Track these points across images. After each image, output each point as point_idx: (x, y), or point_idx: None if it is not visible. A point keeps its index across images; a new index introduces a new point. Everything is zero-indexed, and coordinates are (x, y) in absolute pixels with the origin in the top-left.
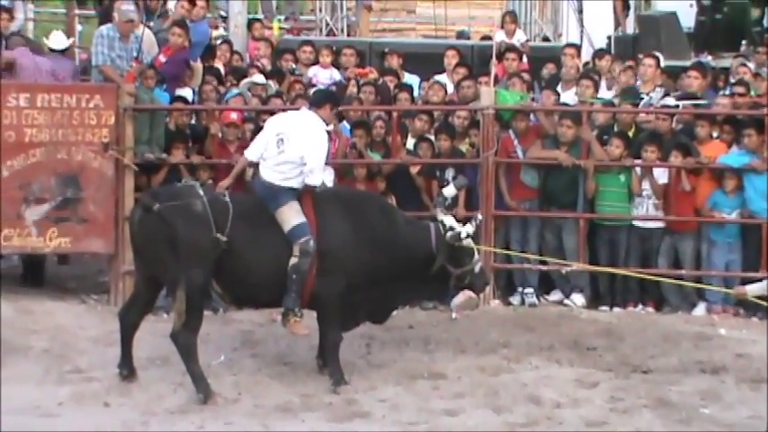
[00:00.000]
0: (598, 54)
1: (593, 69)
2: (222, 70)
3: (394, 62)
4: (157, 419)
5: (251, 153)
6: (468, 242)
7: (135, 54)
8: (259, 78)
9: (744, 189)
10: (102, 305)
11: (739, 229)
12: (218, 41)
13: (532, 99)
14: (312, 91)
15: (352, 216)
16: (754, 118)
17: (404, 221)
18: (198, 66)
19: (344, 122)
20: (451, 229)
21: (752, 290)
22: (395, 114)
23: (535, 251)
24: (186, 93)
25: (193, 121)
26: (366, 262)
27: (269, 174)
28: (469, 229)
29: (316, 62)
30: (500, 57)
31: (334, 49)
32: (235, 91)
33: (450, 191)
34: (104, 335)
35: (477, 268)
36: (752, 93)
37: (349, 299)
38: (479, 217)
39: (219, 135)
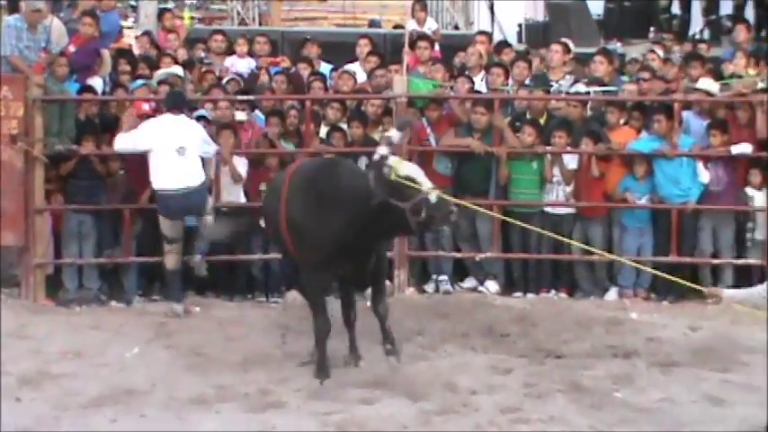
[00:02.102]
0: (498, 47)
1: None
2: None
3: (313, 51)
4: (70, 414)
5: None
6: (401, 167)
7: (43, 44)
8: (177, 70)
9: (654, 174)
10: (12, 299)
11: (650, 214)
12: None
13: (442, 86)
14: (168, 95)
15: (308, 192)
16: (664, 104)
17: (348, 177)
18: (106, 53)
19: (257, 112)
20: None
21: (731, 296)
22: (308, 103)
23: (449, 238)
24: (96, 83)
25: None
26: (329, 234)
27: (184, 181)
28: (391, 141)
29: (227, 51)
30: (412, 45)
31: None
32: (140, 81)
33: (395, 135)
34: (16, 328)
35: (431, 197)
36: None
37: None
38: (394, 133)
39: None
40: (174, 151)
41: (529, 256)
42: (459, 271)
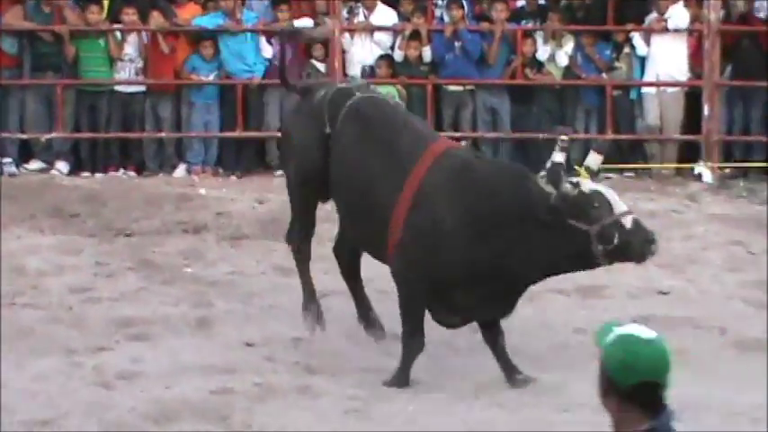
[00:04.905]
0: None
1: None
2: None
3: None
4: None
5: None
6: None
7: None
8: None
9: (220, 51)
10: None
11: (217, 90)
12: None
13: None
14: None
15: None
16: None
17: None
18: None
19: None
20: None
21: None
22: None
23: (16, 120)
24: None
25: None
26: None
27: None
28: (558, 157)
29: None
30: None
31: None
32: None
33: (594, 160)
34: None
35: (627, 222)
36: None
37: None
38: (564, 137)
39: None
40: None
41: (97, 136)
42: (25, 153)
